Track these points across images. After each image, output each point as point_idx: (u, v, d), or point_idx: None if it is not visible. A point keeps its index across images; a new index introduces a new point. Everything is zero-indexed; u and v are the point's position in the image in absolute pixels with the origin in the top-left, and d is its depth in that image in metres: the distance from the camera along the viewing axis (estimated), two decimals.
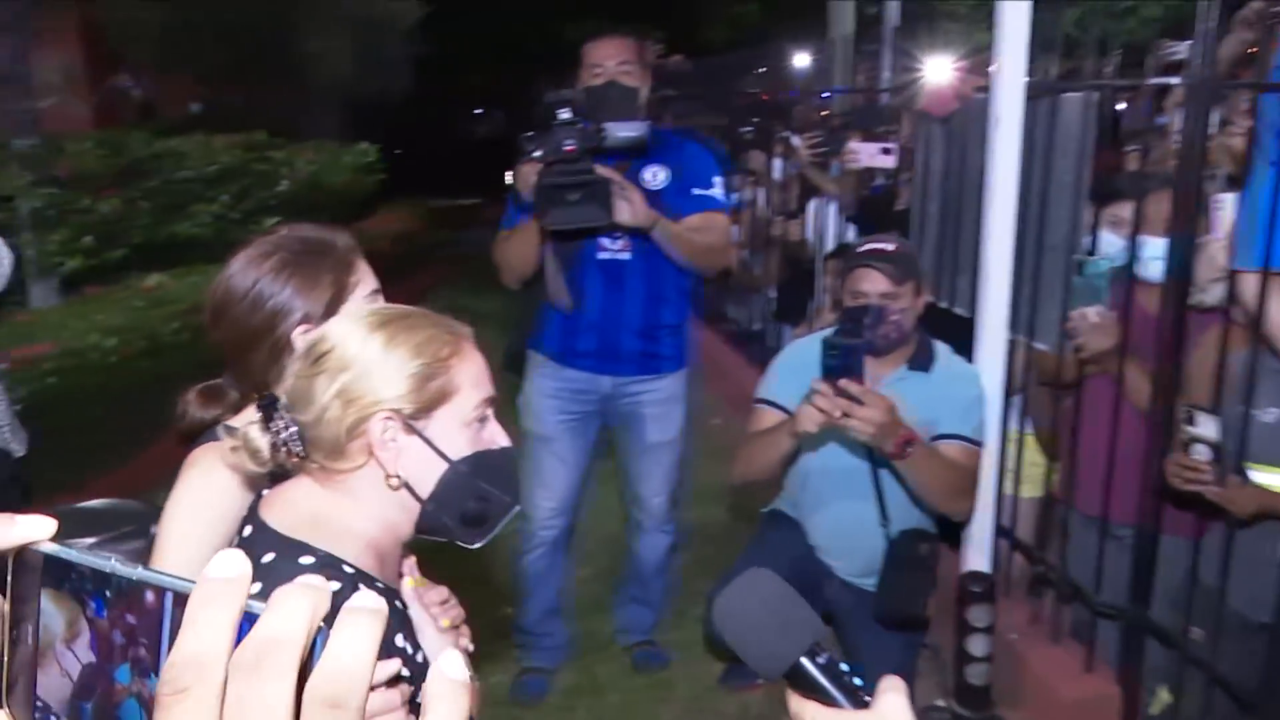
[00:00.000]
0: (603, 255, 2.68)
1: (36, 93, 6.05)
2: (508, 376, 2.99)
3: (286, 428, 1.09)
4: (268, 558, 1.08)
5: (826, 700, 0.87)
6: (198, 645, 0.43)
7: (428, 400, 1.10)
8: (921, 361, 2.47)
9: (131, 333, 4.10)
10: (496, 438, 1.17)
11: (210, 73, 9.02)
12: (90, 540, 2.06)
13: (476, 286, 8.07)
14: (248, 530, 1.13)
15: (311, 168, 5.61)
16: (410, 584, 1.22)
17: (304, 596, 0.47)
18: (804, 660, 0.87)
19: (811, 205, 4.52)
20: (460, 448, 1.12)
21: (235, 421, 1.20)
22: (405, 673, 1.06)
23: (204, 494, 1.27)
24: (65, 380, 3.65)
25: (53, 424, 3.43)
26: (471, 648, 1.26)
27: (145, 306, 4.43)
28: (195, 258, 4.91)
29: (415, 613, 1.20)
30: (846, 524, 2.51)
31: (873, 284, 2.37)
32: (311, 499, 1.12)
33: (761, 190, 5.29)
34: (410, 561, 1.26)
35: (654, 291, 2.74)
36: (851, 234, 3.99)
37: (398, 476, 1.10)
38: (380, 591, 1.12)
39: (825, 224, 4.28)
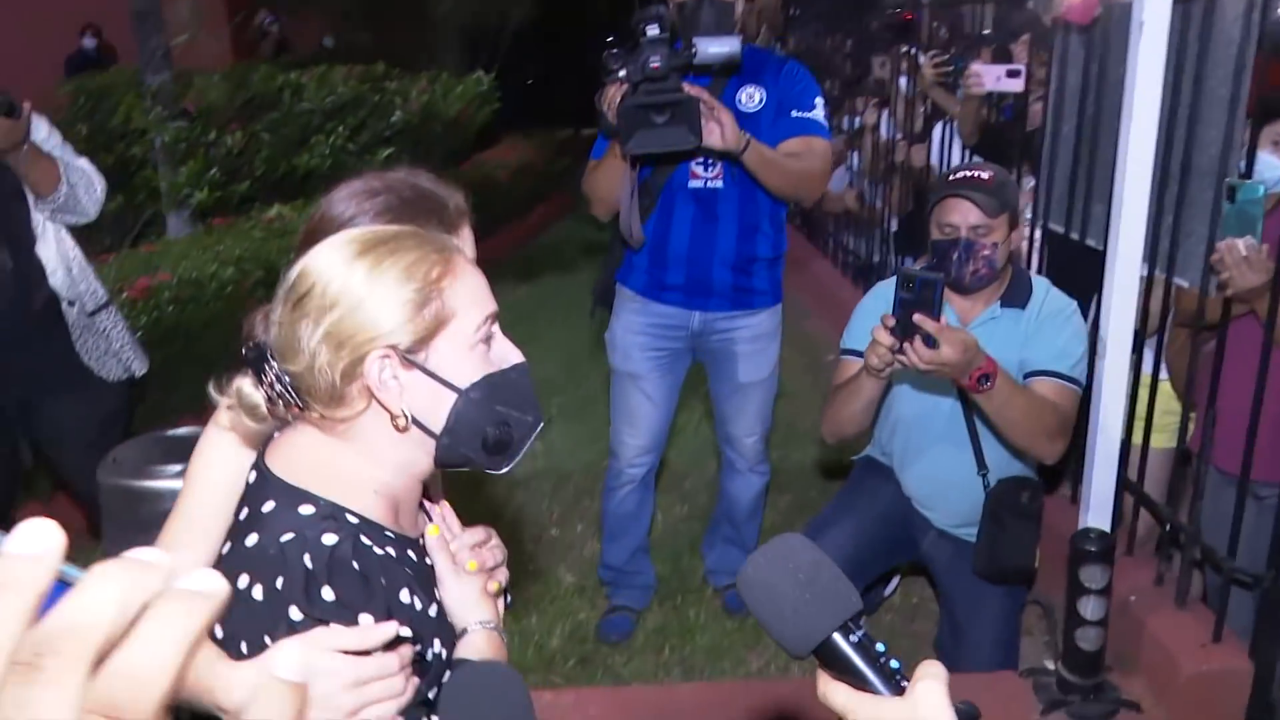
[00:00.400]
0: (693, 184, 2.54)
1: (171, 30, 6.23)
2: (601, 312, 2.91)
3: (279, 379, 1.01)
4: (267, 506, 1.02)
5: (859, 683, 0.79)
6: None
7: (424, 329, 1.01)
8: (1016, 298, 2.28)
9: (250, 263, 4.19)
10: (507, 355, 1.08)
11: (338, 8, 9.14)
12: (177, 467, 2.10)
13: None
14: (253, 476, 1.07)
15: (424, 99, 5.60)
16: (433, 532, 1.14)
17: (117, 578, 0.36)
18: (836, 636, 0.80)
19: (937, 130, 4.23)
20: (468, 373, 1.03)
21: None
22: (406, 632, 0.99)
23: (214, 453, 1.19)
24: (183, 309, 3.76)
25: (170, 352, 3.56)
26: (498, 587, 1.17)
27: (264, 238, 4.53)
28: (313, 189, 4.99)
29: (440, 561, 1.13)
30: (941, 472, 2.35)
31: (963, 215, 2.19)
32: (316, 446, 1.05)
33: (886, 113, 4.99)
34: (439, 508, 1.19)
35: (748, 222, 2.59)
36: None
37: (404, 415, 1.01)
38: (391, 541, 1.05)
39: (950, 150, 3.99)
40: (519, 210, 6.41)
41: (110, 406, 2.84)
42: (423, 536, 1.13)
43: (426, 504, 1.22)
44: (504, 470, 1.09)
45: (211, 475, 1.15)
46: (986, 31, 4.18)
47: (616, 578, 2.97)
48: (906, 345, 1.95)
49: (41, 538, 0.37)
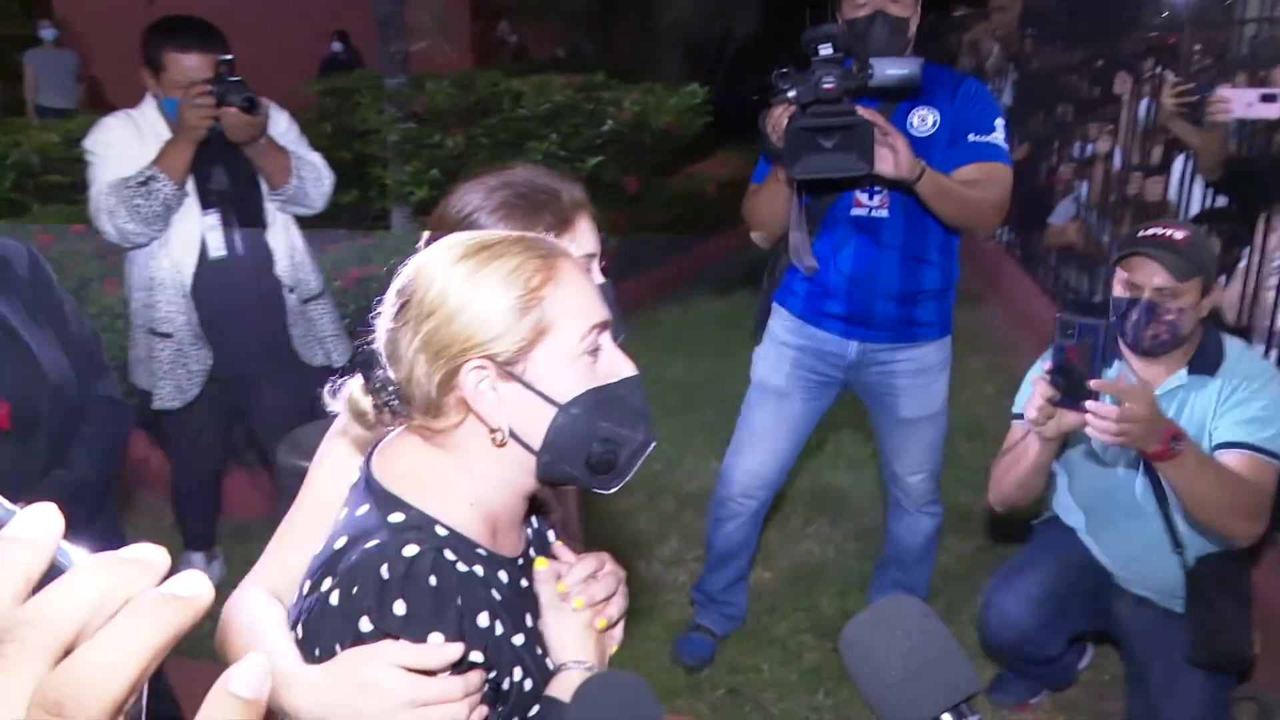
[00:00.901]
0: (856, 212, 2.41)
1: (411, 36, 6.63)
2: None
3: (385, 385, 1.00)
4: (361, 510, 1.01)
5: None
6: None
7: (522, 340, 0.97)
8: (1206, 364, 2.04)
9: None
10: (617, 368, 1.02)
11: (573, 18, 9.43)
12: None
13: None
14: (357, 476, 1.07)
15: (637, 108, 5.67)
16: (540, 564, 1.10)
17: (101, 573, 0.36)
18: (946, 718, 0.74)
19: (1177, 163, 3.85)
20: (569, 387, 0.99)
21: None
22: (477, 657, 0.95)
23: (332, 457, 1.20)
24: None
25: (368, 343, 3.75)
26: (604, 624, 1.11)
27: None
28: None
29: (545, 593, 1.09)
30: (1133, 546, 2.12)
31: (1148, 275, 2.00)
32: (416, 454, 1.03)
33: (1117, 142, 4.60)
34: (558, 546, 1.14)
35: (914, 253, 2.43)
36: (1222, 204, 3.34)
37: (501, 430, 0.98)
38: (481, 559, 1.02)
39: (1190, 187, 3.62)
40: (724, 224, 6.38)
41: (307, 391, 3.02)
42: (522, 557, 1.10)
43: (550, 535, 1.19)
44: (612, 490, 1.04)
45: (324, 478, 1.16)
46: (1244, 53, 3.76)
47: (707, 601, 2.88)
48: (1091, 405, 1.76)
49: (41, 523, 0.37)
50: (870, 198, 2.40)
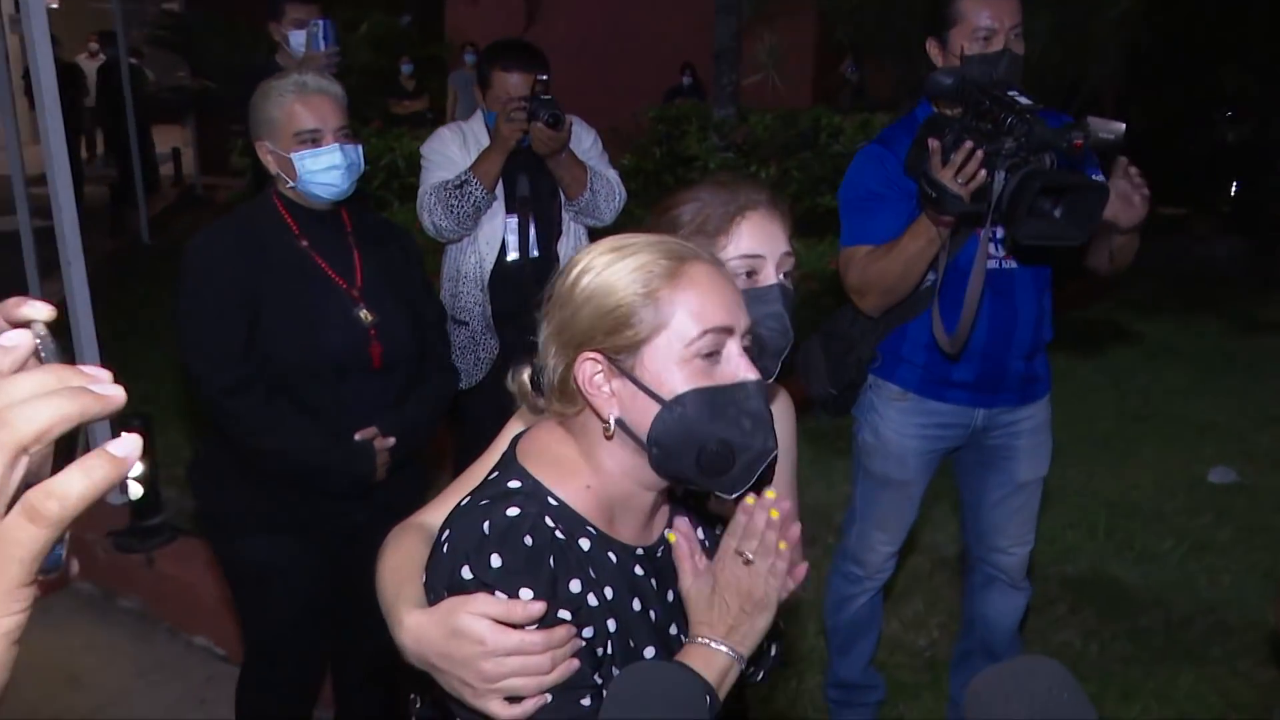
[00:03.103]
0: (989, 264, 2.15)
1: (745, 70, 6.84)
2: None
3: (539, 372, 1.09)
4: (493, 474, 1.12)
5: None
6: None
7: (632, 337, 1.02)
8: None
9: None
10: (735, 373, 1.03)
11: (910, 59, 9.24)
12: None
13: (1145, 306, 7.24)
14: (506, 447, 1.17)
15: None
16: (670, 538, 1.13)
17: (65, 397, 0.50)
18: None
19: None
20: (676, 385, 1.02)
21: None
22: (566, 616, 1.01)
23: (506, 434, 1.30)
24: None
25: None
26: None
27: None
28: (829, 229, 5.14)
29: (683, 569, 1.11)
30: None
31: None
32: (550, 435, 1.12)
33: None
34: (681, 520, 1.16)
35: (1040, 305, 2.25)
36: None
37: (609, 422, 1.04)
38: (591, 536, 1.08)
39: None
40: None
41: None
42: (642, 548, 1.14)
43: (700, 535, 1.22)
44: (734, 495, 1.06)
45: (499, 445, 1.26)
46: None
47: (848, 696, 2.63)
48: None
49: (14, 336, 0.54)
50: (997, 248, 2.17)
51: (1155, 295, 7.65)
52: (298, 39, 3.17)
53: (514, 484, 1.09)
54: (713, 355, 1.03)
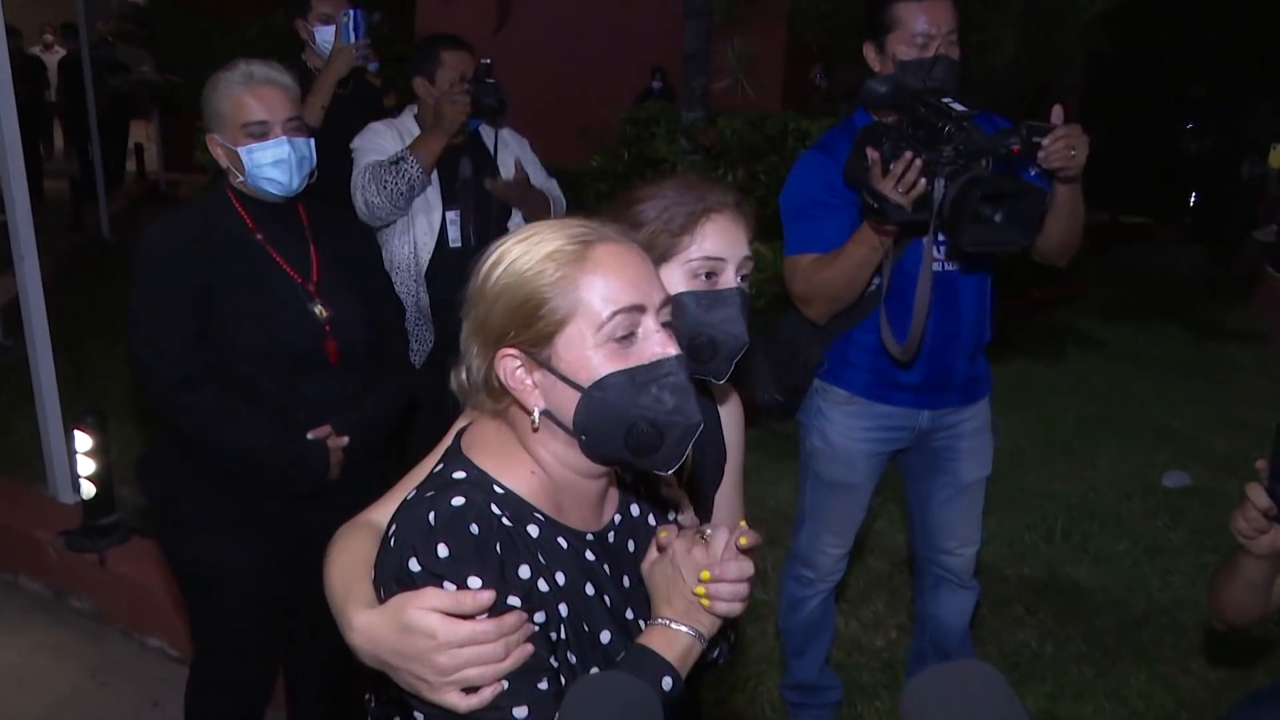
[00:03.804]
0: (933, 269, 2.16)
1: (715, 74, 6.85)
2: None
3: (466, 370, 1.10)
4: (438, 466, 1.12)
5: None
6: None
7: (544, 328, 1.02)
8: None
9: None
10: (654, 351, 1.03)
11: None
12: None
13: (1107, 313, 7.34)
14: (450, 442, 1.17)
15: None
16: (662, 534, 1.13)
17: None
18: None
19: None
20: (594, 370, 1.02)
21: None
22: (515, 603, 1.01)
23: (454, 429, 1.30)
24: None
25: None
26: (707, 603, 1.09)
27: None
28: None
29: (665, 555, 1.11)
30: None
31: None
32: (490, 425, 1.13)
33: None
34: (667, 528, 1.15)
35: (982, 307, 2.27)
36: None
37: (535, 412, 1.05)
38: (539, 522, 1.08)
39: None
40: (1012, 289, 6.04)
41: None
42: (592, 534, 1.14)
43: (650, 521, 1.23)
44: (669, 470, 1.07)
45: (440, 450, 1.24)
46: None
47: (805, 697, 2.64)
48: None
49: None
50: (939, 250, 2.17)
51: (1117, 302, 7.77)
52: (324, 35, 3.02)
53: (459, 474, 1.09)
54: (628, 336, 1.03)
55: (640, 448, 1.04)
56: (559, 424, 1.06)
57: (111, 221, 8.52)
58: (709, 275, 1.36)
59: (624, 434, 1.03)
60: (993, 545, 3.59)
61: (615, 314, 1.02)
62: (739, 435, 1.59)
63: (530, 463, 1.10)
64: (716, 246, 1.35)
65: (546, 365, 1.04)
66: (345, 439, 1.98)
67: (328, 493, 1.97)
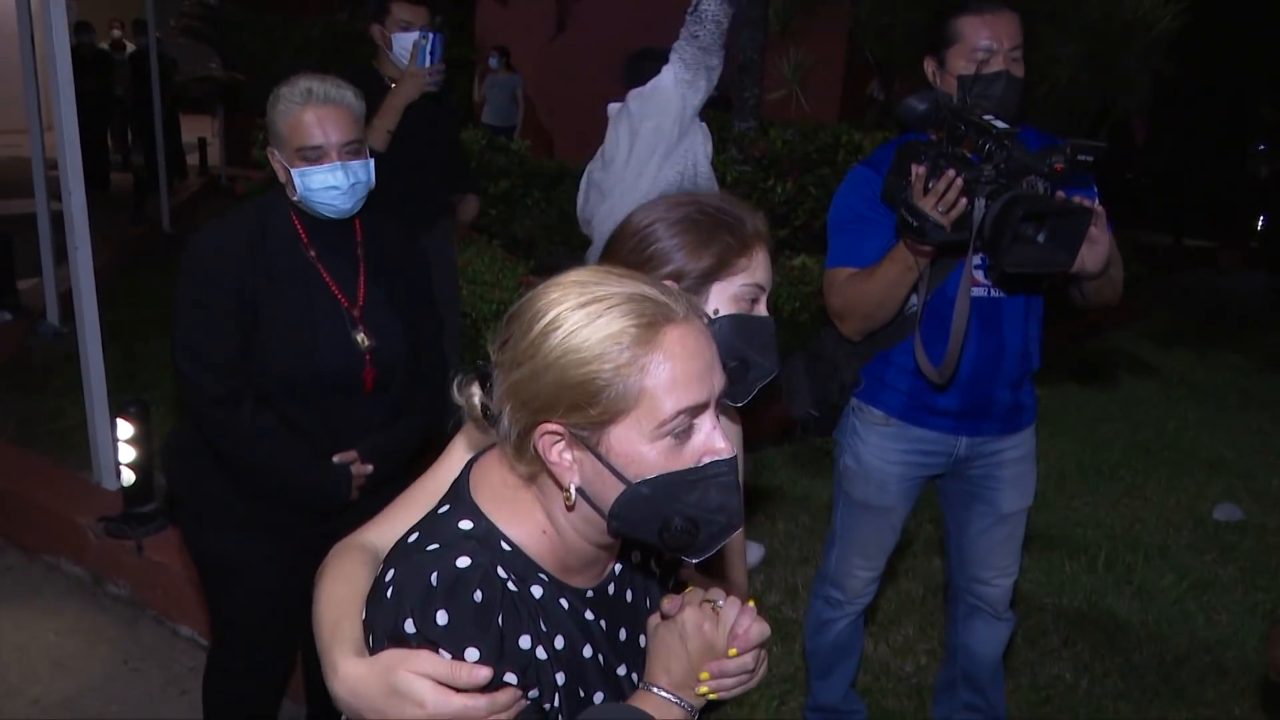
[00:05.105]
0: (976, 293, 2.10)
1: (769, 85, 6.82)
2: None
3: (487, 404, 1.02)
4: (444, 508, 1.07)
5: None
6: None
7: (601, 415, 0.94)
8: None
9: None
10: (709, 449, 0.97)
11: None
12: None
13: (1163, 337, 7.15)
14: (459, 476, 1.11)
15: None
16: (666, 602, 1.10)
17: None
18: None
19: None
20: (646, 466, 0.95)
21: None
22: (512, 679, 0.97)
23: (454, 451, 1.24)
24: None
25: None
26: (706, 691, 1.07)
27: (781, 284, 4.75)
28: None
29: (670, 620, 1.08)
30: None
31: None
32: (504, 474, 1.05)
33: None
34: (672, 598, 1.12)
35: (1028, 334, 2.20)
36: None
37: (571, 490, 0.98)
38: (544, 582, 1.04)
39: None
40: (1062, 309, 5.92)
41: None
42: (593, 590, 1.10)
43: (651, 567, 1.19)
44: (692, 561, 1.01)
45: (449, 461, 1.21)
46: None
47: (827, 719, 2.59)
48: None
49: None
50: (984, 275, 2.11)
51: (1175, 328, 7.57)
52: (402, 44, 2.95)
53: (465, 524, 1.03)
54: (685, 432, 0.96)
55: (674, 543, 0.97)
56: (591, 503, 0.99)
57: (172, 215, 8.71)
58: (752, 302, 1.33)
59: (659, 527, 0.96)
60: (1031, 573, 3.51)
61: (679, 413, 0.94)
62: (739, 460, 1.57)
63: (544, 522, 1.03)
64: (763, 275, 1.32)
65: (593, 450, 0.96)
66: (369, 467, 1.96)
67: (349, 506, 1.95)
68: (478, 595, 0.95)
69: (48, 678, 2.87)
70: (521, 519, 1.03)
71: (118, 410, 3.28)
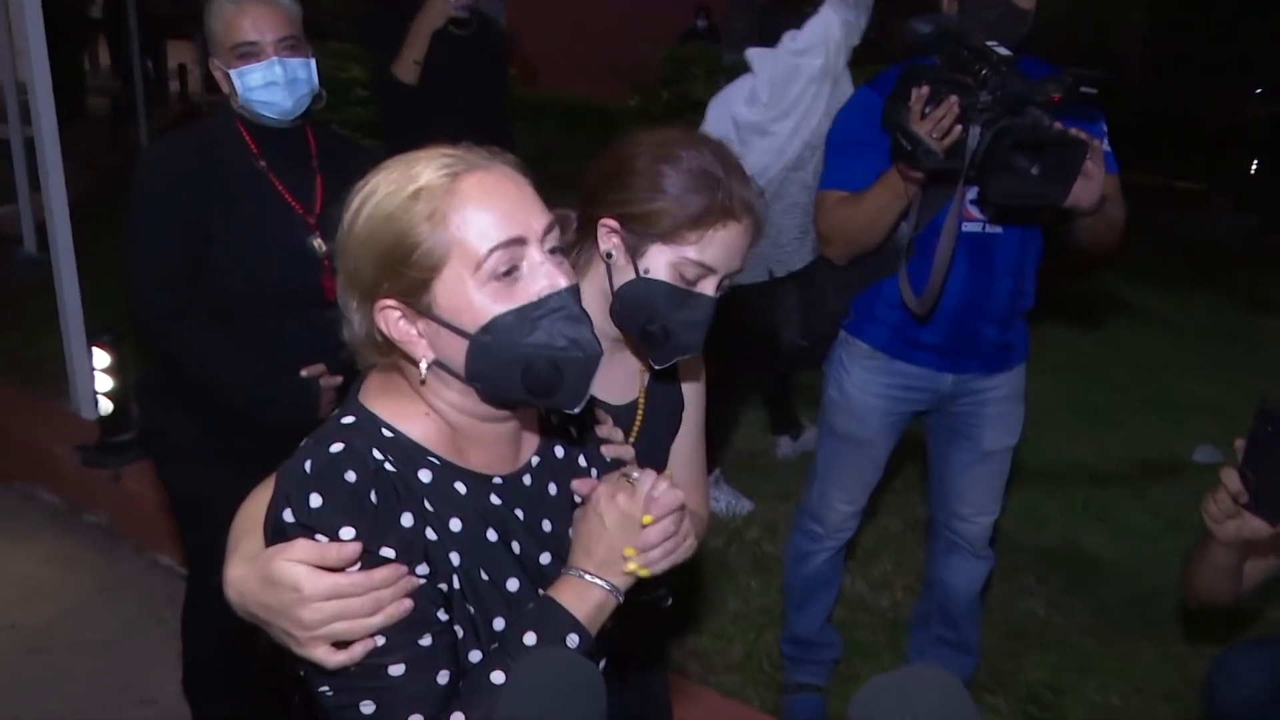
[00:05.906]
0: (969, 227, 2.07)
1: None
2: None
3: (348, 325, 1.05)
4: (336, 411, 1.09)
5: None
6: None
7: (419, 274, 0.96)
8: None
9: None
10: (541, 285, 0.97)
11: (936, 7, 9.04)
12: None
13: (1149, 278, 7.13)
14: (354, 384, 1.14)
15: None
16: (577, 483, 1.13)
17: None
18: None
19: None
20: (480, 314, 0.96)
21: None
22: (389, 554, 0.96)
23: None
24: None
25: None
26: (635, 569, 1.06)
27: None
28: None
29: (590, 501, 1.08)
30: None
31: None
32: (386, 370, 1.08)
33: None
34: (585, 480, 1.14)
35: (1022, 272, 2.17)
36: None
37: (422, 366, 1.00)
38: (433, 466, 1.04)
39: None
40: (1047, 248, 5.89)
41: None
42: (501, 477, 1.09)
43: (581, 461, 1.20)
44: (575, 408, 1.02)
45: None
46: None
47: (803, 652, 2.60)
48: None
49: None
50: (980, 210, 2.07)
51: (1160, 268, 7.55)
52: None
53: (347, 419, 1.04)
54: (511, 271, 0.97)
55: (539, 388, 0.98)
56: (451, 372, 1.00)
57: (151, 141, 8.55)
58: (697, 279, 1.30)
59: (520, 375, 0.97)
60: (1008, 511, 3.52)
61: (493, 250, 0.96)
62: (699, 387, 1.55)
63: (424, 406, 1.05)
64: (715, 257, 1.29)
65: (428, 313, 0.98)
66: (339, 379, 1.95)
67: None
68: (350, 475, 0.96)
69: (23, 605, 2.87)
70: (403, 407, 1.05)
71: (93, 339, 3.24)
